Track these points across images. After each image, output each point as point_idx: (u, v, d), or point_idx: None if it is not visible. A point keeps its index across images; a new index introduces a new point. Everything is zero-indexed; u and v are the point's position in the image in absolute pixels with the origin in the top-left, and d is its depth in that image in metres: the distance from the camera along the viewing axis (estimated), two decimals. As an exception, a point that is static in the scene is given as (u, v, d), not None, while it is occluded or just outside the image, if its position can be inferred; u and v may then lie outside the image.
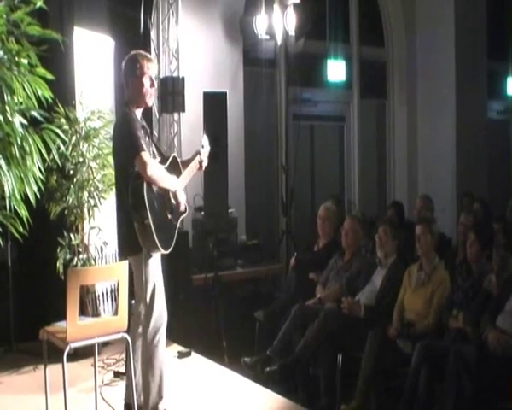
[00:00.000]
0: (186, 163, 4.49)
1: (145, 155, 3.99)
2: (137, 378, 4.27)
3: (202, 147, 4.56)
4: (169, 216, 4.23)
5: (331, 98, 9.96)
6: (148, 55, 4.39)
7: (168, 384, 4.43)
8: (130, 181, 4.02)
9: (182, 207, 4.32)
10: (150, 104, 4.37)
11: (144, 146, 4.03)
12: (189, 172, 4.46)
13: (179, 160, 4.48)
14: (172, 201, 4.24)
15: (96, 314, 5.70)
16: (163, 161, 4.29)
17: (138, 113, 4.27)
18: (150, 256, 4.14)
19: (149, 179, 4.00)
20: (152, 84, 4.26)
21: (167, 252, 4.19)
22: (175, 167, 4.34)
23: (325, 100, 9.94)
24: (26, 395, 4.92)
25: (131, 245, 4.11)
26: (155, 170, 4.04)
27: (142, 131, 4.17)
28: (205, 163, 4.56)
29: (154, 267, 4.20)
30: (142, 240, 4.03)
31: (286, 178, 8.44)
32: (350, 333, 5.40)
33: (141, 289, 4.19)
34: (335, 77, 9.68)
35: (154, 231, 3.97)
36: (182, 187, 4.33)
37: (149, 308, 4.19)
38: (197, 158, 4.51)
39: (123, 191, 4.12)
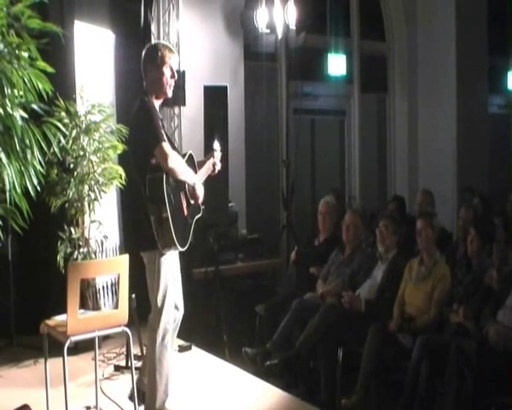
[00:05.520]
0: (201, 164, 4.43)
1: (166, 145, 3.88)
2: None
3: (215, 151, 4.50)
4: (185, 212, 4.14)
5: (332, 92, 9.92)
6: (170, 46, 4.30)
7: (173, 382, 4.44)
8: (147, 173, 3.90)
9: (200, 200, 4.26)
10: (170, 95, 4.25)
11: (164, 136, 3.93)
12: (204, 173, 4.41)
13: (195, 158, 4.40)
14: (189, 196, 4.17)
15: (97, 308, 5.70)
16: None
17: (157, 104, 4.17)
18: (164, 254, 4.03)
19: (170, 171, 3.90)
20: (172, 75, 4.15)
21: (183, 249, 4.10)
22: (190, 165, 4.27)
23: (326, 94, 9.92)
24: (27, 388, 4.92)
25: (146, 240, 4.00)
26: (176, 161, 3.95)
27: (161, 123, 4.06)
28: (218, 166, 4.51)
29: (169, 266, 4.10)
30: (157, 235, 3.90)
31: (286, 172, 8.42)
32: (350, 327, 5.40)
33: (152, 287, 4.11)
34: (336, 71, 9.64)
35: (171, 226, 3.86)
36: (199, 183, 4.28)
37: (160, 309, 4.10)
38: (211, 161, 4.46)
39: (139, 183, 3.99)
